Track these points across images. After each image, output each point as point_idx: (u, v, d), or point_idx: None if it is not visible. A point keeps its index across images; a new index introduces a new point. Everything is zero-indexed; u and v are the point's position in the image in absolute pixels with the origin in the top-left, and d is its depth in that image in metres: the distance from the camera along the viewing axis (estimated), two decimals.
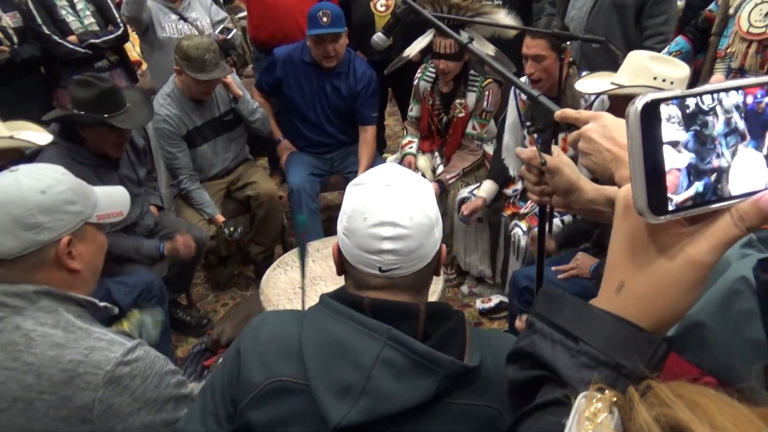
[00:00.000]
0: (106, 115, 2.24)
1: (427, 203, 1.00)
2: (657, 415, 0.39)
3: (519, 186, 2.76)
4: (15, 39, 3.33)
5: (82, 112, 2.24)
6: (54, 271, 1.16)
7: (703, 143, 0.44)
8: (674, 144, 0.44)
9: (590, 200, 0.94)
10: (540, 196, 1.05)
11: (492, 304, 2.88)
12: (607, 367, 0.47)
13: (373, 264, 0.97)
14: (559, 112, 0.90)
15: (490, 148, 2.99)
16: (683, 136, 0.44)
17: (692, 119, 0.44)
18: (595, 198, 0.94)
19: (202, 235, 2.73)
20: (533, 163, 1.01)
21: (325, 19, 2.84)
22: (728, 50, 2.40)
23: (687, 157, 0.44)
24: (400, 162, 3.00)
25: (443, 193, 2.90)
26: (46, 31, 3.30)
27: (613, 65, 2.14)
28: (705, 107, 0.44)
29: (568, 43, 2.54)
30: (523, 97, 2.66)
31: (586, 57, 2.93)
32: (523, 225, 2.62)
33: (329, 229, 3.14)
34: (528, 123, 2.57)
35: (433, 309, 0.99)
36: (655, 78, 1.90)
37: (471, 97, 2.88)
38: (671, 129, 0.44)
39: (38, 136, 2.08)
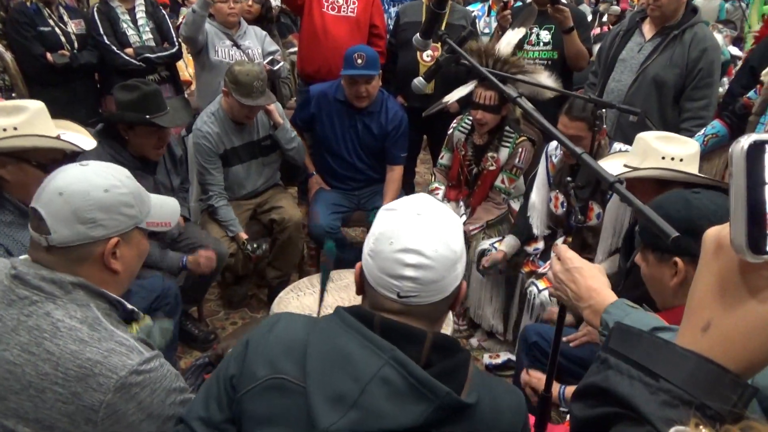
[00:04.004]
0: (148, 116, 2.33)
1: (454, 237, 1.02)
2: None
3: (540, 245, 2.75)
4: (76, 45, 3.51)
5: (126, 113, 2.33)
6: (95, 267, 1.19)
7: None
8: None
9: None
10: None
11: (500, 360, 2.84)
12: (691, 406, 0.46)
13: (393, 288, 0.98)
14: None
15: (515, 204, 3.01)
16: None
17: None
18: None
19: (223, 250, 2.77)
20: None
21: (359, 61, 2.94)
22: None
23: None
24: None
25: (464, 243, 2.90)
26: (106, 41, 3.47)
27: None
28: None
29: (605, 114, 2.57)
30: (554, 159, 2.70)
31: (621, 130, 2.96)
32: (540, 284, 2.61)
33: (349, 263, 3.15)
34: (569, 179, 2.56)
35: (441, 339, 0.99)
36: (663, 158, 1.90)
37: (503, 152, 2.92)
38: None
39: (83, 140, 2.05)
